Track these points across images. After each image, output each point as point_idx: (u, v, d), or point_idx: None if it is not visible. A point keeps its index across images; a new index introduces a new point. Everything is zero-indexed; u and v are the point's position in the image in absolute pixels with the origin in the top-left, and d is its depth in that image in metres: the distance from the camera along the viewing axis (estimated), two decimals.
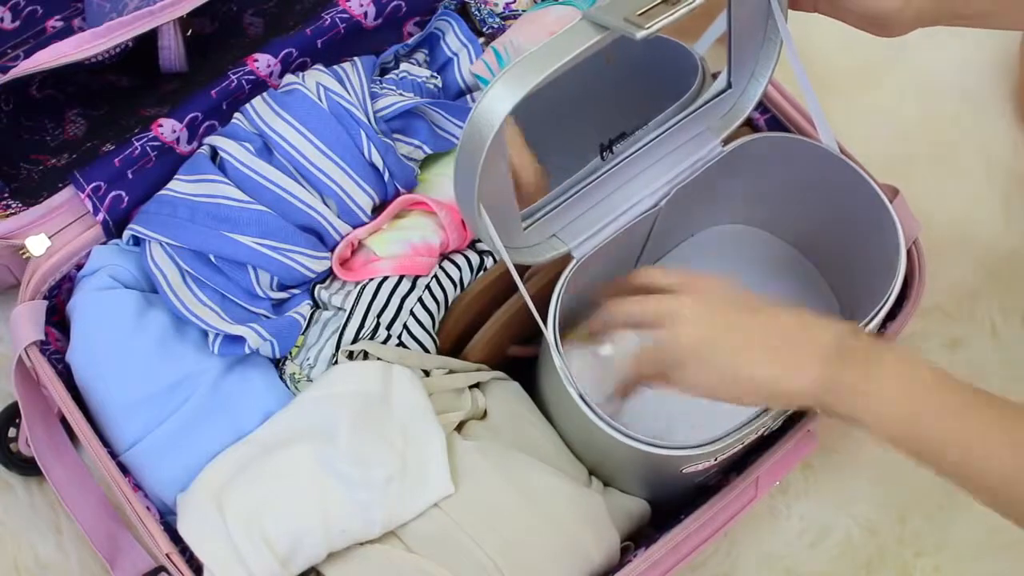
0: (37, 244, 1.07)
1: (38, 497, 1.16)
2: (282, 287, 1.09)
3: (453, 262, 1.11)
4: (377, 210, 1.12)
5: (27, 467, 1.15)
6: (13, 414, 1.15)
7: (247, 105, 1.11)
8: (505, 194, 0.94)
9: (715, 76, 1.10)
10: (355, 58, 1.15)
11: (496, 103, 0.84)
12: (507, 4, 1.21)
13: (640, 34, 0.82)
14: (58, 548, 1.15)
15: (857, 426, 0.85)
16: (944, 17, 0.98)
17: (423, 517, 1.00)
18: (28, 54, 1.15)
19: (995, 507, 0.82)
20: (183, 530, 0.99)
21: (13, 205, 1.07)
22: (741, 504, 1.06)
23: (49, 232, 1.08)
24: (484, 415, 1.08)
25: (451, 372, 1.07)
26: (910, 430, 0.83)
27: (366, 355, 1.05)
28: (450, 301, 1.10)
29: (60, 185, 1.08)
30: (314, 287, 1.11)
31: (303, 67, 1.15)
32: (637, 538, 1.08)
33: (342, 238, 1.10)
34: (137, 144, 1.09)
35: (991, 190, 1.37)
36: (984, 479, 0.81)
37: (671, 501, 1.10)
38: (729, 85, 1.08)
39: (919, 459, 0.83)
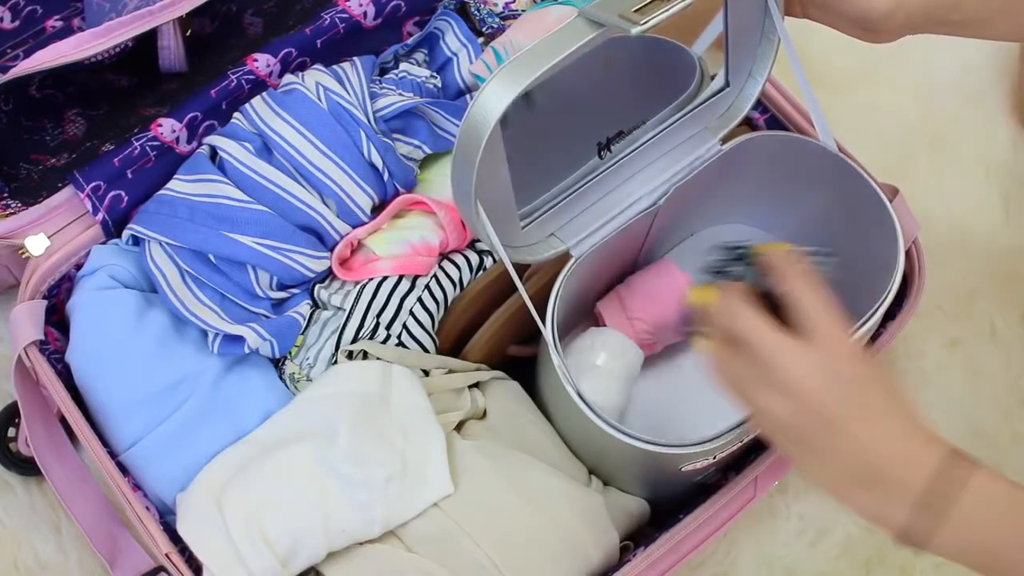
0: (36, 244, 1.07)
1: (38, 497, 1.16)
2: (282, 287, 1.09)
3: (453, 262, 1.11)
4: (377, 210, 1.12)
5: (27, 467, 1.15)
6: (13, 414, 1.15)
7: (247, 105, 1.11)
8: (503, 192, 0.95)
9: (714, 77, 1.11)
10: (355, 58, 1.15)
11: (492, 100, 0.84)
12: (507, 4, 1.22)
13: (635, 30, 0.82)
14: (58, 548, 1.15)
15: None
16: (932, 24, 0.99)
17: (423, 517, 1.00)
18: (28, 54, 1.15)
19: None
20: (182, 530, 0.99)
21: (13, 205, 1.07)
22: (740, 503, 1.06)
23: (48, 232, 1.08)
24: (484, 415, 1.08)
25: (451, 372, 1.08)
26: (989, 562, 0.79)
27: (366, 355, 1.05)
28: (450, 301, 1.10)
29: (60, 185, 1.09)
30: (314, 287, 1.11)
31: (303, 67, 1.15)
32: (636, 537, 1.08)
33: (342, 238, 1.10)
34: (136, 144, 1.09)
35: (991, 190, 1.37)
36: None
37: (670, 500, 1.10)
38: (727, 84, 1.08)
39: None
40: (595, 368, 1.07)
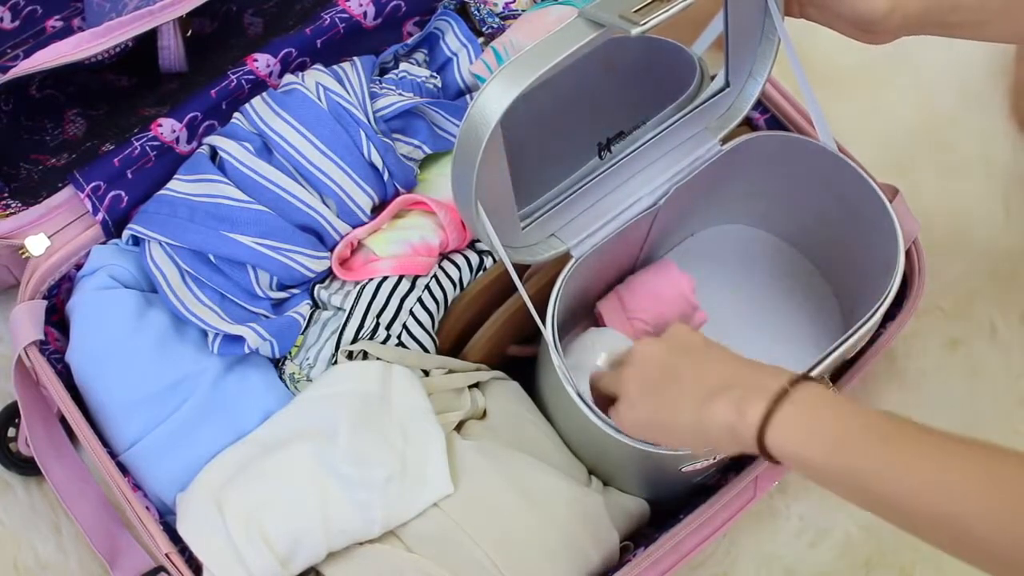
0: (36, 244, 1.07)
1: (38, 497, 1.16)
2: (282, 287, 1.09)
3: (453, 262, 1.11)
4: (377, 210, 1.12)
5: (27, 467, 1.15)
6: (13, 414, 1.15)
7: (247, 105, 1.11)
8: (503, 192, 0.95)
9: (714, 77, 1.11)
10: (355, 58, 1.15)
11: (492, 101, 0.84)
12: (507, 4, 1.22)
13: (635, 31, 0.82)
14: (58, 548, 1.15)
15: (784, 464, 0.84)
16: (930, 25, 0.99)
17: (422, 517, 1.00)
18: (28, 54, 1.15)
19: (926, 537, 0.79)
20: (182, 530, 0.99)
21: (13, 205, 1.07)
22: (740, 504, 1.06)
23: (48, 232, 1.08)
24: (483, 415, 1.08)
25: (450, 372, 1.08)
26: (828, 465, 0.81)
27: (366, 355, 1.05)
28: (450, 301, 1.10)
29: (60, 185, 1.09)
30: (314, 287, 1.11)
31: (303, 67, 1.16)
32: (636, 538, 1.08)
33: (342, 238, 1.10)
34: (137, 144, 1.09)
35: (991, 190, 1.37)
36: (907, 508, 0.78)
37: (670, 501, 1.10)
38: (727, 84, 1.08)
39: (841, 492, 0.82)
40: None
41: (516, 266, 0.98)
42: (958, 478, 0.75)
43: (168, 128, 1.10)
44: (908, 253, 1.07)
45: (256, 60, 1.13)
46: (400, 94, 1.14)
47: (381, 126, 1.11)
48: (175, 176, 1.10)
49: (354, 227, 1.11)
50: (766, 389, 0.83)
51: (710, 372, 0.89)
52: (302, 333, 1.09)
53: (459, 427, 1.06)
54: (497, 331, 1.09)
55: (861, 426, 0.80)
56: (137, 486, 1.03)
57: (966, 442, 0.77)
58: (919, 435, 0.78)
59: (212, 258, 1.06)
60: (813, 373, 0.99)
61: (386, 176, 1.11)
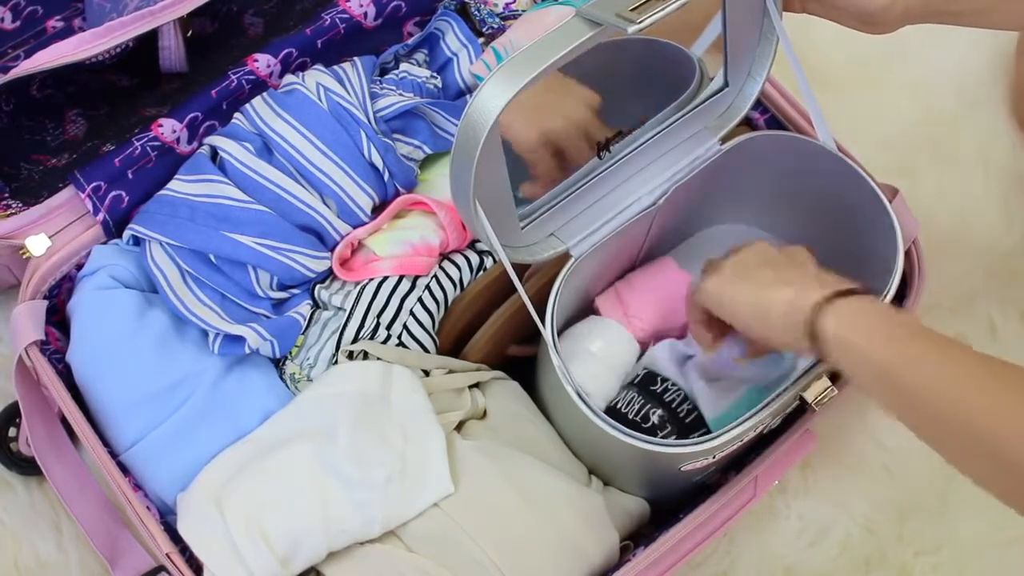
0: (37, 244, 1.07)
1: (38, 497, 1.17)
2: (282, 287, 1.09)
3: (453, 262, 1.11)
4: (377, 210, 1.12)
5: (27, 467, 1.16)
6: (13, 414, 1.16)
7: (247, 105, 1.12)
8: (502, 192, 0.95)
9: (713, 78, 1.11)
10: (355, 58, 1.15)
11: (490, 100, 0.84)
12: (507, 4, 1.22)
13: (632, 29, 0.82)
14: (58, 548, 1.15)
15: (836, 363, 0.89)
16: (931, 14, 0.98)
17: (423, 517, 1.00)
18: (28, 54, 1.15)
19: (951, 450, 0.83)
20: (183, 530, 0.99)
21: (13, 205, 1.07)
22: (740, 503, 1.06)
23: (49, 232, 1.08)
24: (484, 415, 1.08)
25: (451, 372, 1.08)
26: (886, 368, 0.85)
27: (366, 355, 1.05)
28: (450, 301, 1.10)
29: (60, 185, 1.09)
30: (314, 287, 1.11)
31: (303, 67, 1.16)
32: (636, 537, 1.08)
33: (342, 238, 1.10)
34: (137, 144, 1.09)
35: (991, 190, 1.37)
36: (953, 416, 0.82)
37: (670, 500, 1.10)
38: (726, 84, 1.08)
39: (872, 384, 0.86)
40: (589, 354, 1.07)
41: (516, 266, 0.98)
42: (974, 375, 0.80)
43: (169, 128, 1.11)
44: (908, 253, 1.07)
45: (256, 60, 1.13)
46: (400, 94, 1.14)
47: (381, 126, 1.11)
48: (176, 176, 1.10)
49: (354, 227, 1.11)
50: (835, 285, 0.91)
51: (799, 274, 0.95)
52: (302, 333, 1.09)
53: (459, 427, 1.06)
54: (497, 331, 1.09)
55: (907, 327, 0.86)
56: (138, 486, 1.03)
57: (1000, 360, 0.82)
58: (956, 345, 0.83)
59: (212, 258, 1.06)
60: (812, 373, 0.99)
61: (386, 176, 1.11)
